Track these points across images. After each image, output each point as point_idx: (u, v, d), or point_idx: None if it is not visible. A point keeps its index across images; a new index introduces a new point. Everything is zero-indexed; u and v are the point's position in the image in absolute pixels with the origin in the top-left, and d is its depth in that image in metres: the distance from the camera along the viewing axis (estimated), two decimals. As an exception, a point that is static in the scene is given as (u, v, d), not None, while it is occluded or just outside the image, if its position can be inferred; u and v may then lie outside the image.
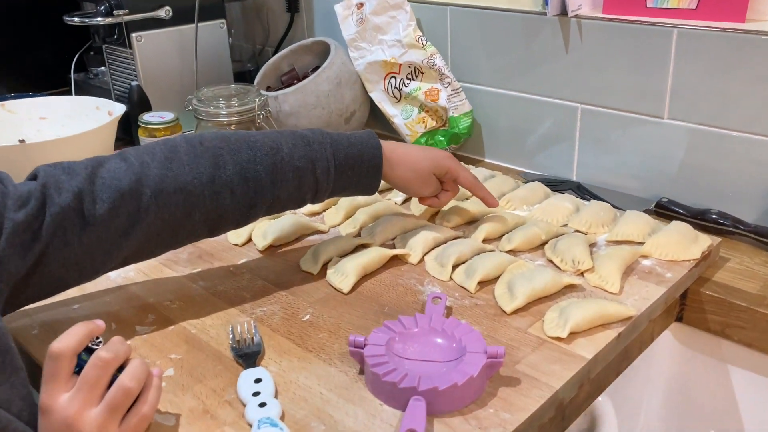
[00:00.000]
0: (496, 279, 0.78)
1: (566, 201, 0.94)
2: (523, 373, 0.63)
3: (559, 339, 0.67)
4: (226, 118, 1.14)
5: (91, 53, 1.46)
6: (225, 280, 0.81)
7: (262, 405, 0.59)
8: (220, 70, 1.38)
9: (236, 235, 0.89)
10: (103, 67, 1.41)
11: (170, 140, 0.70)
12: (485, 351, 0.61)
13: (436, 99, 1.17)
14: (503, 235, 0.88)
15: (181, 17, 1.28)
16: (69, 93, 1.46)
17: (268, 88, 1.29)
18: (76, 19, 1.23)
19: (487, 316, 0.72)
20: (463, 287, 0.77)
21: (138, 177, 0.65)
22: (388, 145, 0.79)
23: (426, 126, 1.21)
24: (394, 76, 1.21)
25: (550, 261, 0.82)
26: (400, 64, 1.19)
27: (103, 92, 1.41)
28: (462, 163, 0.85)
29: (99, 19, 1.23)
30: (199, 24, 1.30)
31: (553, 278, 0.75)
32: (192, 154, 0.68)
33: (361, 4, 1.20)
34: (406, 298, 0.76)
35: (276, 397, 0.61)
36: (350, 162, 0.75)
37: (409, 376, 0.59)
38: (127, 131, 1.25)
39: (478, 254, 0.82)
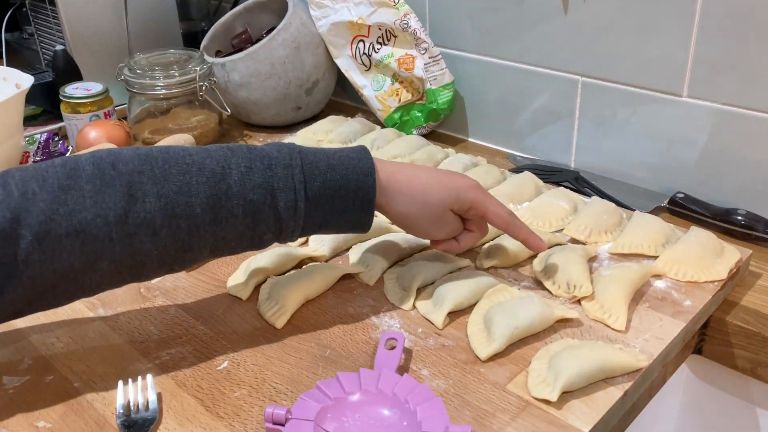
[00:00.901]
0: (470, 308, 0.62)
1: (562, 199, 0.77)
2: (498, 455, 0.48)
3: (547, 402, 0.51)
4: (163, 91, 0.97)
5: (24, 9, 1.27)
6: (131, 306, 0.64)
7: None
8: (165, 31, 1.19)
9: (155, 244, 0.73)
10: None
11: (72, 160, 0.50)
12: (452, 429, 0.45)
13: (410, 68, 0.99)
14: (483, 245, 0.71)
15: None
16: (0, 55, 1.28)
17: (218, 53, 1.11)
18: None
19: (455, 363, 0.56)
20: (428, 320, 0.61)
21: (15, 214, 0.47)
22: (385, 168, 0.59)
23: (400, 99, 1.03)
24: (362, 40, 1.03)
25: (539, 282, 0.66)
26: (369, 26, 1.00)
27: (35, 55, 1.23)
28: (492, 195, 0.63)
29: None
30: (138, -24, 1.11)
31: (541, 312, 0.58)
32: (98, 182, 0.49)
33: (323, -47, 1.01)
34: (355, 335, 0.60)
35: (164, 494, 0.45)
36: (328, 193, 0.55)
37: (341, 470, 0.44)
38: (54, 104, 1.07)
39: (450, 273, 0.66)
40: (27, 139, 0.99)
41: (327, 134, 0.99)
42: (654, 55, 0.79)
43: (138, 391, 0.53)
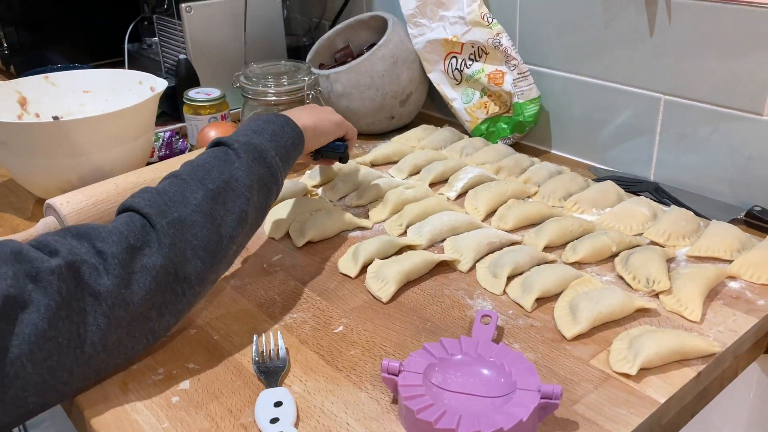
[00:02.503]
0: (556, 296, 0.69)
1: (642, 206, 0.83)
2: (582, 415, 0.54)
3: (626, 376, 0.58)
4: (274, 98, 1.07)
5: (145, 23, 1.41)
6: (256, 279, 0.74)
7: (280, 435, 0.52)
8: (272, 44, 1.31)
9: (275, 229, 0.83)
10: (155, 38, 1.36)
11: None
12: (539, 389, 0.53)
13: (500, 83, 1.06)
14: (568, 243, 0.78)
15: (229, -12, 1.21)
16: (122, 64, 1.42)
17: (321, 66, 1.21)
18: (124, -12, 1.18)
19: (543, 341, 0.63)
20: (518, 304, 0.69)
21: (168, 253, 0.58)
22: (293, 114, 0.76)
23: (488, 112, 1.11)
24: (455, 56, 1.11)
25: (620, 277, 0.72)
26: (463, 44, 1.09)
27: (155, 64, 1.36)
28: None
29: (149, -12, 1.18)
30: (252, -5, 1.24)
31: (623, 301, 0.65)
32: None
33: (423, -23, 1.10)
34: (452, 312, 0.68)
35: (297, 425, 0.54)
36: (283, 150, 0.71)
37: (447, 414, 0.51)
38: (174, 107, 1.20)
39: (538, 265, 0.73)
40: (155, 136, 1.12)
41: (419, 141, 1.08)
42: (736, 75, 0.84)
43: (270, 343, 0.62)
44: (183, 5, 1.18)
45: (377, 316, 0.67)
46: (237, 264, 0.77)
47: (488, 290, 0.71)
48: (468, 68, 1.10)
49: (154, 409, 0.56)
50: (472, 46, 1.08)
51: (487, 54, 1.08)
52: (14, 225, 0.90)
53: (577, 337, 0.63)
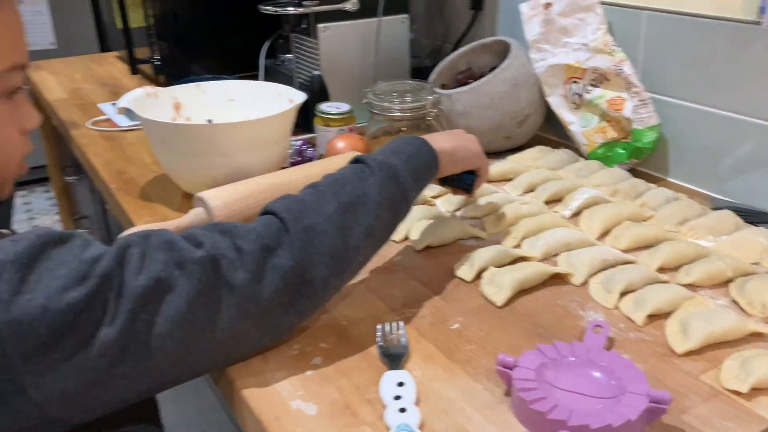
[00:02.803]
0: (668, 315, 0.71)
1: (761, 235, 0.84)
2: (690, 425, 0.56)
3: (737, 393, 0.59)
4: (398, 114, 1.15)
5: (281, 41, 1.53)
6: (380, 276, 0.81)
7: (402, 410, 0.57)
8: (397, 65, 1.39)
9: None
10: (289, 55, 1.47)
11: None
12: (648, 394, 0.55)
13: (620, 109, 1.09)
14: (682, 265, 0.79)
15: (366, 10, 1.30)
16: (257, 78, 1.55)
17: (443, 86, 1.28)
18: (269, 8, 1.29)
19: (653, 354, 0.66)
20: (629, 318, 0.71)
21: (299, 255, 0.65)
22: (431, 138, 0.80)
23: (606, 136, 1.13)
24: (576, 81, 1.15)
25: (735, 302, 0.73)
26: (585, 69, 1.12)
27: (288, 79, 1.47)
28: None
29: (290, 9, 1.28)
30: (382, 18, 1.32)
31: (736, 323, 0.66)
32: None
33: (549, 5, 1.15)
34: (564, 321, 0.71)
35: (417, 404, 0.59)
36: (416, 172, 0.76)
37: (559, 407, 0.55)
38: (305, 118, 1.29)
39: (651, 284, 0.75)
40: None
41: (535, 161, 1.12)
42: None
43: (393, 331, 0.68)
44: (320, 25, 1.28)
45: (491, 318, 0.72)
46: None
47: (600, 303, 0.74)
48: (588, 93, 1.13)
49: (292, 381, 0.63)
50: (594, 72, 1.11)
51: (608, 80, 1.10)
52: (163, 214, 1.01)
53: (688, 354, 0.65)
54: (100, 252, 0.57)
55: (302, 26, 1.33)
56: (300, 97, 1.09)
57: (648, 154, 1.10)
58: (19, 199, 3.47)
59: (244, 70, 1.65)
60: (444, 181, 0.86)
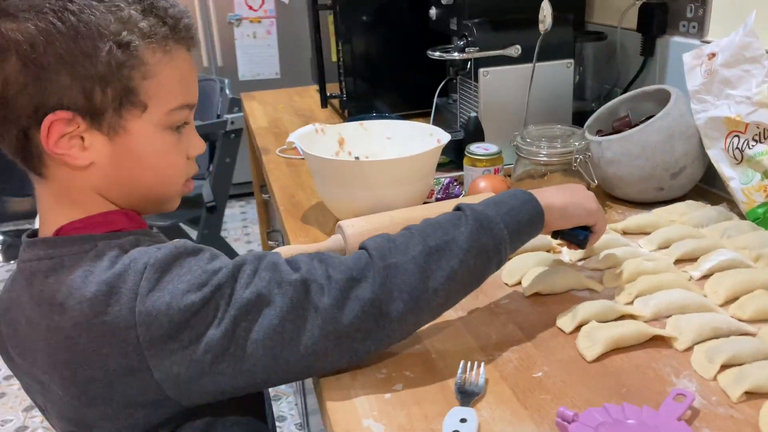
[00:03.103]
0: (770, 394, 0.66)
1: None
2: None
3: (819, 491, 0.55)
4: (544, 158, 1.17)
5: (453, 81, 1.62)
6: (481, 316, 0.84)
7: (456, 444, 0.62)
8: (560, 108, 1.40)
9: (509, 275, 0.92)
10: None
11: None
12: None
13: (783, 167, 1.01)
14: (808, 344, 0.73)
15: (529, 55, 1.33)
16: (430, 114, 1.65)
17: (599, 132, 1.27)
18: (436, 54, 1.38)
19: (738, 432, 0.62)
20: (724, 392, 0.68)
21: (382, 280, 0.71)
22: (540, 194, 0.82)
23: (767, 195, 1.05)
24: (737, 135, 1.08)
25: None
26: (747, 124, 1.06)
27: (454, 117, 1.55)
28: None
29: (455, 54, 1.36)
30: (546, 63, 1.35)
31: (844, 415, 0.61)
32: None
33: (713, 54, 1.10)
34: (652, 385, 0.70)
35: (474, 442, 0.63)
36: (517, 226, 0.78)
37: (605, 468, 0.56)
38: (459, 156, 1.36)
39: (762, 360, 0.71)
40: (435, 180, 1.30)
41: (681, 216, 1.07)
42: None
43: (474, 371, 0.72)
44: (482, 69, 1.34)
45: (577, 371, 0.73)
46: (470, 300, 0.88)
47: (698, 372, 0.71)
48: (750, 149, 1.06)
49: (371, 400, 0.70)
50: (757, 127, 1.04)
51: (772, 136, 1.03)
52: (315, 237, 1.14)
53: (778, 440, 0.61)
54: (221, 265, 0.69)
55: (465, 70, 1.40)
56: (445, 138, 1.17)
57: (814, 218, 1.00)
58: (237, 208, 3.95)
59: (421, 107, 1.77)
60: (557, 234, 0.87)
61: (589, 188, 1.19)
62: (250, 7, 3.92)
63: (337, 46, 1.79)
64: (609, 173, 1.19)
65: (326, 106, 1.91)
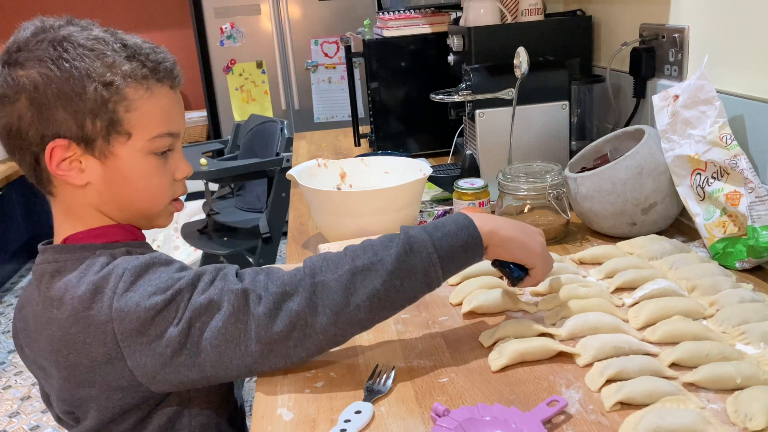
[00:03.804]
0: (643, 406, 0.72)
1: (817, 351, 0.77)
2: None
3: (643, 486, 0.61)
4: (523, 193, 1.25)
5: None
6: (415, 329, 0.94)
7: (343, 430, 0.71)
8: (556, 147, 1.47)
9: (455, 295, 1.01)
10: (468, 135, 1.65)
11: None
12: (533, 461, 0.61)
13: (736, 204, 1.05)
14: (701, 365, 0.78)
15: (524, 97, 1.42)
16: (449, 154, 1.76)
17: (583, 169, 1.33)
18: (438, 97, 1.50)
19: (596, 436, 0.69)
20: (602, 402, 0.74)
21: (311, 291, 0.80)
22: (480, 218, 0.86)
23: (725, 231, 1.09)
24: (699, 173, 1.13)
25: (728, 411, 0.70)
26: (705, 162, 1.10)
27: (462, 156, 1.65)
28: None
29: (455, 96, 1.47)
30: (542, 104, 1.44)
31: (692, 424, 0.66)
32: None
33: (677, 97, 1.16)
34: (541, 394, 0.77)
35: (362, 431, 0.72)
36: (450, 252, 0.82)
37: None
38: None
39: (651, 373, 0.76)
40: (428, 212, 1.40)
41: (640, 248, 1.12)
42: None
43: (384, 374, 0.82)
44: (478, 111, 1.45)
45: (479, 379, 0.81)
46: (409, 313, 0.97)
47: (587, 384, 0.77)
48: (709, 186, 1.10)
49: (292, 394, 0.81)
50: (714, 165, 1.09)
51: (728, 174, 1.07)
52: (311, 261, 1.26)
53: (630, 444, 0.67)
54: (185, 274, 0.82)
55: (465, 111, 1.50)
56: (428, 170, 1.27)
57: (768, 254, 1.03)
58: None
59: (445, 146, 1.88)
60: (495, 263, 0.91)
61: (568, 222, 1.26)
62: (326, 54, 4.16)
63: (368, 89, 1.94)
64: (584, 208, 1.25)
65: (359, 145, 2.06)
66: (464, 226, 0.84)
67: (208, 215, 2.88)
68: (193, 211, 3.50)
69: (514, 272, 0.90)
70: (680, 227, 1.26)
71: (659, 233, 1.22)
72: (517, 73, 1.29)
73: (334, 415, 0.76)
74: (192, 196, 3.74)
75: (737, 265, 1.06)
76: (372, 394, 0.78)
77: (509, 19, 1.61)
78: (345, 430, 0.72)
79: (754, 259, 1.05)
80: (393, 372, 0.82)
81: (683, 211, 1.22)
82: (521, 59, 1.27)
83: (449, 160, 1.84)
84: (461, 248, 0.83)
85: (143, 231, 0.95)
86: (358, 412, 0.74)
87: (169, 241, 3.58)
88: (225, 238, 2.85)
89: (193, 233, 2.90)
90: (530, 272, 0.89)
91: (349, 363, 0.86)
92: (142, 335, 0.78)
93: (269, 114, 3.98)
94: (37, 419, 2.47)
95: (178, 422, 0.88)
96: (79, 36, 0.83)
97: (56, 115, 0.81)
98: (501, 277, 1.01)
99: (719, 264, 1.06)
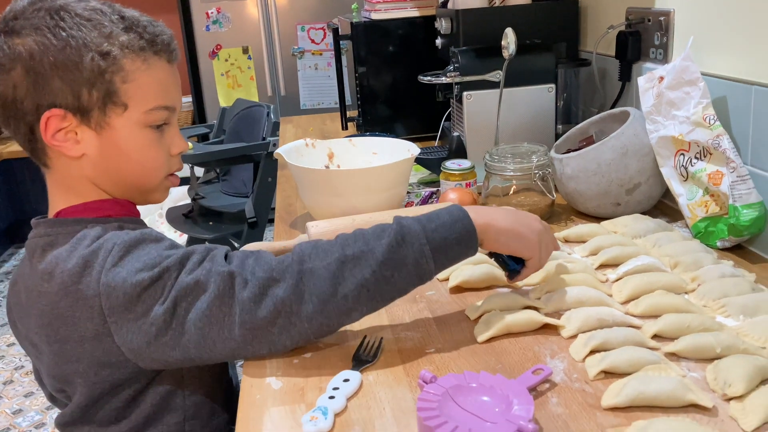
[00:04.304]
0: (626, 375, 0.73)
1: (794, 322, 0.79)
2: (559, 462, 0.62)
3: (624, 448, 0.62)
4: (510, 173, 1.26)
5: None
6: (403, 303, 0.95)
7: (331, 398, 0.72)
8: (543, 130, 1.48)
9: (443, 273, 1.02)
10: (455, 118, 1.66)
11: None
12: (520, 423, 0.62)
13: (718, 183, 1.07)
14: (682, 336, 0.80)
15: (511, 80, 1.43)
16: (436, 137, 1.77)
17: (569, 151, 1.35)
18: (426, 78, 1.50)
19: (581, 403, 0.70)
20: (586, 371, 0.75)
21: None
22: (475, 210, 0.83)
23: (707, 210, 1.11)
24: (683, 154, 1.14)
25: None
26: (689, 142, 1.12)
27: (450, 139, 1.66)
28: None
29: (443, 78, 1.48)
30: (529, 87, 1.45)
31: (673, 389, 0.68)
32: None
33: (662, 78, 1.17)
34: (527, 364, 0.78)
35: (351, 398, 0.73)
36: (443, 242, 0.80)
37: (446, 424, 0.64)
38: (444, 172, 1.46)
39: (634, 343, 0.78)
40: (415, 193, 1.41)
41: (624, 227, 1.14)
42: None
43: (372, 344, 0.83)
44: (465, 93, 1.45)
45: (465, 350, 0.82)
46: (399, 291, 0.98)
47: (571, 355, 0.79)
48: (692, 166, 1.12)
49: (281, 363, 0.81)
50: (697, 145, 1.11)
51: (711, 154, 1.09)
52: (302, 238, 1.27)
53: (612, 409, 0.68)
54: (174, 252, 0.82)
55: (453, 93, 1.51)
56: (416, 151, 1.28)
57: (749, 232, 1.05)
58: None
59: (433, 130, 1.88)
60: (492, 255, 0.90)
61: (553, 202, 1.27)
62: (312, 41, 4.14)
63: (355, 72, 1.94)
64: (570, 188, 1.26)
65: (346, 128, 2.06)
66: (459, 218, 0.81)
67: (193, 199, 2.87)
68: (179, 197, 3.49)
69: (510, 265, 0.88)
70: (663, 208, 1.28)
71: (643, 213, 1.23)
72: (505, 54, 1.30)
73: (322, 383, 0.77)
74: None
75: (718, 243, 1.08)
76: (360, 364, 0.79)
77: (497, 3, 1.62)
78: (333, 397, 0.72)
79: (734, 238, 1.07)
80: (381, 342, 0.83)
81: (666, 192, 1.24)
82: (509, 40, 1.28)
83: (436, 143, 1.84)
84: (455, 241, 0.80)
85: (138, 207, 0.95)
86: (346, 380, 0.75)
87: (154, 226, 3.56)
88: (210, 223, 2.84)
89: (178, 218, 2.89)
90: (527, 263, 0.87)
91: (337, 334, 0.87)
92: (128, 311, 0.77)
93: (255, 100, 3.96)
94: (20, 403, 2.45)
95: (171, 401, 0.87)
96: (77, 6, 0.82)
97: (52, 84, 0.81)
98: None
99: (701, 242, 1.08)
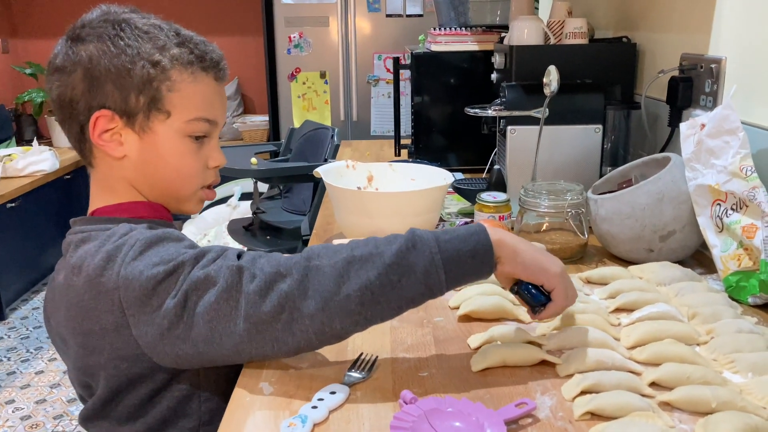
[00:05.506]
0: (612, 419, 0.72)
1: (803, 385, 0.75)
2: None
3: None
4: (544, 209, 1.26)
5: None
6: (409, 326, 0.96)
7: (314, 407, 0.74)
8: (586, 169, 1.47)
9: (455, 300, 1.02)
10: (502, 152, 1.66)
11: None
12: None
13: (752, 237, 1.03)
14: (680, 386, 0.77)
15: (557, 118, 1.43)
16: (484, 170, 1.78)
17: (607, 192, 1.33)
18: (471, 110, 1.52)
19: (558, 441, 0.69)
20: (573, 411, 0.74)
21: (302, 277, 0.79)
22: (496, 233, 0.81)
23: (740, 264, 1.07)
24: (719, 204, 1.11)
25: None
26: (726, 193, 1.09)
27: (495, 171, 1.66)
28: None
29: (489, 111, 1.49)
30: (576, 126, 1.44)
31: (653, 439, 0.66)
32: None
33: (703, 125, 1.14)
34: (515, 396, 0.78)
35: (333, 411, 0.75)
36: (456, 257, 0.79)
37: (410, 438, 0.66)
38: (483, 204, 1.47)
39: (628, 388, 0.76)
40: (449, 222, 1.42)
41: (650, 273, 1.11)
42: None
43: (367, 362, 0.84)
44: (509, 127, 1.46)
45: (458, 377, 0.82)
46: (408, 314, 0.99)
47: (562, 393, 0.78)
48: (728, 217, 1.09)
49: (277, 371, 0.84)
50: (734, 196, 1.07)
51: (747, 206, 1.05)
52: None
53: (588, 454, 0.67)
54: (191, 250, 0.86)
55: (498, 127, 1.52)
56: (450, 179, 1.30)
57: (781, 290, 1.01)
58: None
59: (481, 163, 1.89)
60: (516, 292, 0.85)
61: (584, 244, 1.25)
62: (388, 70, 4.23)
63: (412, 101, 1.98)
64: (603, 230, 1.24)
65: (399, 155, 2.10)
66: (474, 232, 0.80)
67: (254, 213, 2.97)
68: (245, 210, 3.61)
69: (536, 297, 0.83)
70: (701, 258, 1.24)
71: (677, 263, 1.20)
72: (546, 91, 1.30)
73: (310, 393, 0.79)
74: (246, 196, 3.86)
75: (750, 300, 1.04)
76: (351, 379, 0.81)
77: (552, 41, 1.62)
78: (316, 407, 0.74)
79: (765, 295, 1.03)
80: (376, 360, 0.85)
81: (704, 243, 1.20)
82: (551, 77, 1.29)
83: (484, 175, 1.85)
84: (469, 254, 0.78)
85: (172, 215, 1.00)
86: (333, 393, 0.77)
87: (220, 237, 3.69)
88: (268, 237, 2.92)
89: (239, 229, 2.99)
90: (552, 295, 0.83)
91: (337, 349, 0.89)
92: (144, 305, 0.80)
93: (327, 123, 4.07)
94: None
95: (187, 405, 0.90)
96: (139, 20, 0.90)
97: (105, 87, 0.88)
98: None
99: (731, 297, 1.04)
